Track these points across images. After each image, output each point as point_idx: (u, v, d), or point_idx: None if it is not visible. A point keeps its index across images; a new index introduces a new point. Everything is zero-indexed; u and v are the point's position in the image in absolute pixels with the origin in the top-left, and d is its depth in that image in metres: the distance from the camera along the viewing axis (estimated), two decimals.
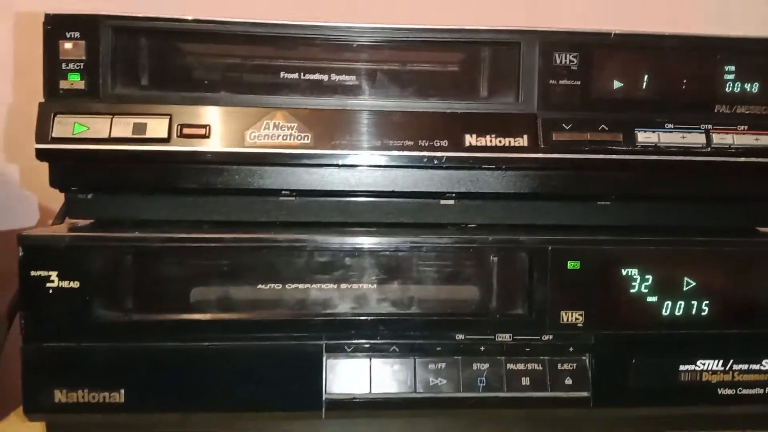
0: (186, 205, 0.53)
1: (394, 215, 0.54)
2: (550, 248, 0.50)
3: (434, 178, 0.53)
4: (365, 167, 0.52)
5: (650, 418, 0.53)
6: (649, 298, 0.51)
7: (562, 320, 0.50)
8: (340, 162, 0.51)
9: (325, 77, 0.52)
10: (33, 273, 0.46)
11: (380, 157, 0.50)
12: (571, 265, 0.50)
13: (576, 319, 0.50)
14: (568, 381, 0.50)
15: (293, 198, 0.53)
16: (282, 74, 0.52)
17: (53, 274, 0.46)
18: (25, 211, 0.80)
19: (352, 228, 0.53)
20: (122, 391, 0.47)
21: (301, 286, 0.50)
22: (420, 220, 0.55)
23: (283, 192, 0.52)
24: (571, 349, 0.50)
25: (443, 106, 0.52)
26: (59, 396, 0.47)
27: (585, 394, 0.50)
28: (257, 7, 0.77)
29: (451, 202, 0.55)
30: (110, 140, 0.48)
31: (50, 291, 0.46)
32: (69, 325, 0.47)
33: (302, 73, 0.52)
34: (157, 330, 0.48)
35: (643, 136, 0.52)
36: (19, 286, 0.47)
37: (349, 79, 0.53)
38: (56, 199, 0.56)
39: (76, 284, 0.47)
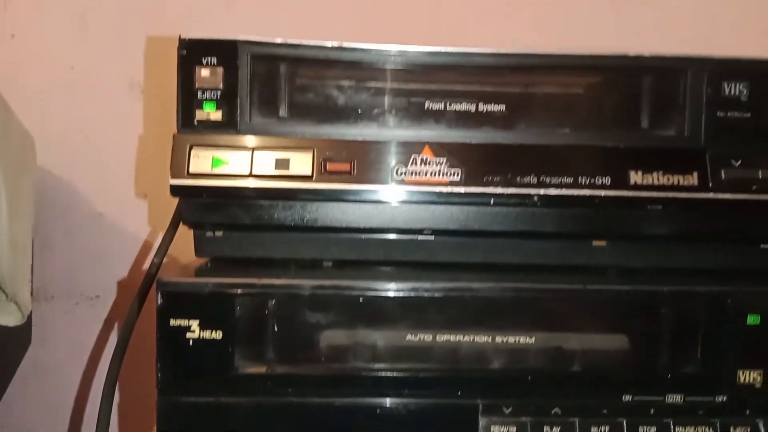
0: (318, 243, 0.49)
1: (537, 257, 0.51)
2: (729, 300, 0.45)
3: (588, 218, 0.48)
4: (516, 206, 0.47)
5: None
6: None
7: (739, 380, 0.45)
8: (492, 201, 0.46)
9: (473, 106, 0.48)
10: (173, 322, 0.43)
11: (535, 197, 0.46)
12: (751, 319, 0.45)
13: (754, 378, 0.46)
14: None
15: (431, 237, 0.50)
16: (427, 104, 0.48)
17: (194, 324, 0.43)
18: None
19: (494, 272, 0.49)
20: None
21: (452, 337, 0.46)
22: (567, 262, 0.50)
23: (423, 231, 0.48)
24: (747, 411, 0.46)
25: (603, 138, 0.48)
26: None
27: None
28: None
29: (603, 243, 0.50)
30: (251, 176, 0.45)
31: (190, 342, 0.43)
32: (209, 378, 0.43)
33: (449, 102, 0.48)
34: (303, 384, 0.44)
35: None
36: (156, 336, 0.43)
37: (499, 110, 0.48)
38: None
39: (218, 334, 0.43)
